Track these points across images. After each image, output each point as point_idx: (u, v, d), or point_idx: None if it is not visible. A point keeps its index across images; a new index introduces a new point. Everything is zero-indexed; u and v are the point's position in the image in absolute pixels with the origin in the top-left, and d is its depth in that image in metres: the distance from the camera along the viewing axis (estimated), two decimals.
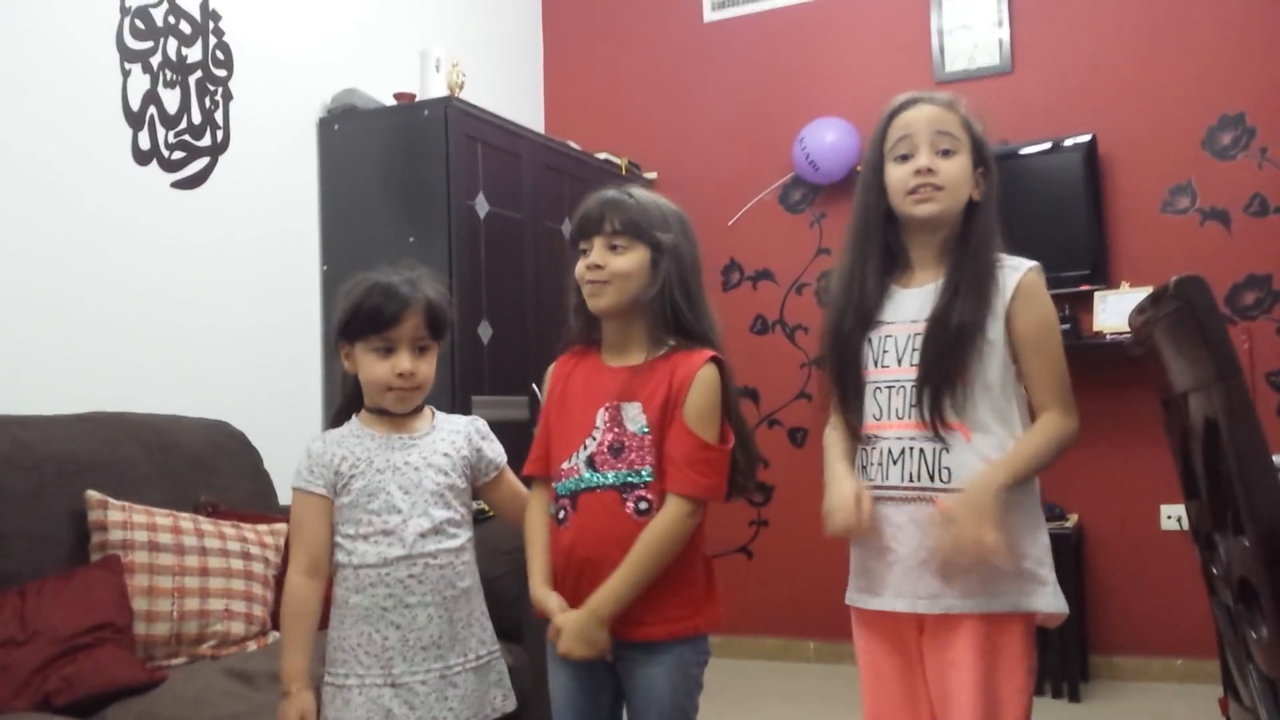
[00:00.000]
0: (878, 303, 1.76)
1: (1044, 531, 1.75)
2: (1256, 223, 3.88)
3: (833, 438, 1.85)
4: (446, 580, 1.81)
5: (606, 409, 1.79)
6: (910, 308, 1.76)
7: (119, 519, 2.32)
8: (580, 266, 1.81)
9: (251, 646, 2.40)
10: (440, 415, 1.95)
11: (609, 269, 1.78)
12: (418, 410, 1.91)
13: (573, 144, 4.36)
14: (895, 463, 1.71)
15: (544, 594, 1.79)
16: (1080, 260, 3.99)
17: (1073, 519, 3.91)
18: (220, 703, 2.02)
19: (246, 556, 2.49)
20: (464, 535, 1.86)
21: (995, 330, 1.70)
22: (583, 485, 1.78)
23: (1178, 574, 3.79)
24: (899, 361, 1.73)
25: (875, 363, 1.76)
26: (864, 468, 1.76)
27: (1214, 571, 1.75)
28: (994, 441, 1.69)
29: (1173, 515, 3.89)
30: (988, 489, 1.62)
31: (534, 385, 2.26)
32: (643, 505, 1.75)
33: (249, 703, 2.03)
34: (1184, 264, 3.75)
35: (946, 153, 1.73)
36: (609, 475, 1.76)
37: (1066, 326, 3.90)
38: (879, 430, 1.74)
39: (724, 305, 5.11)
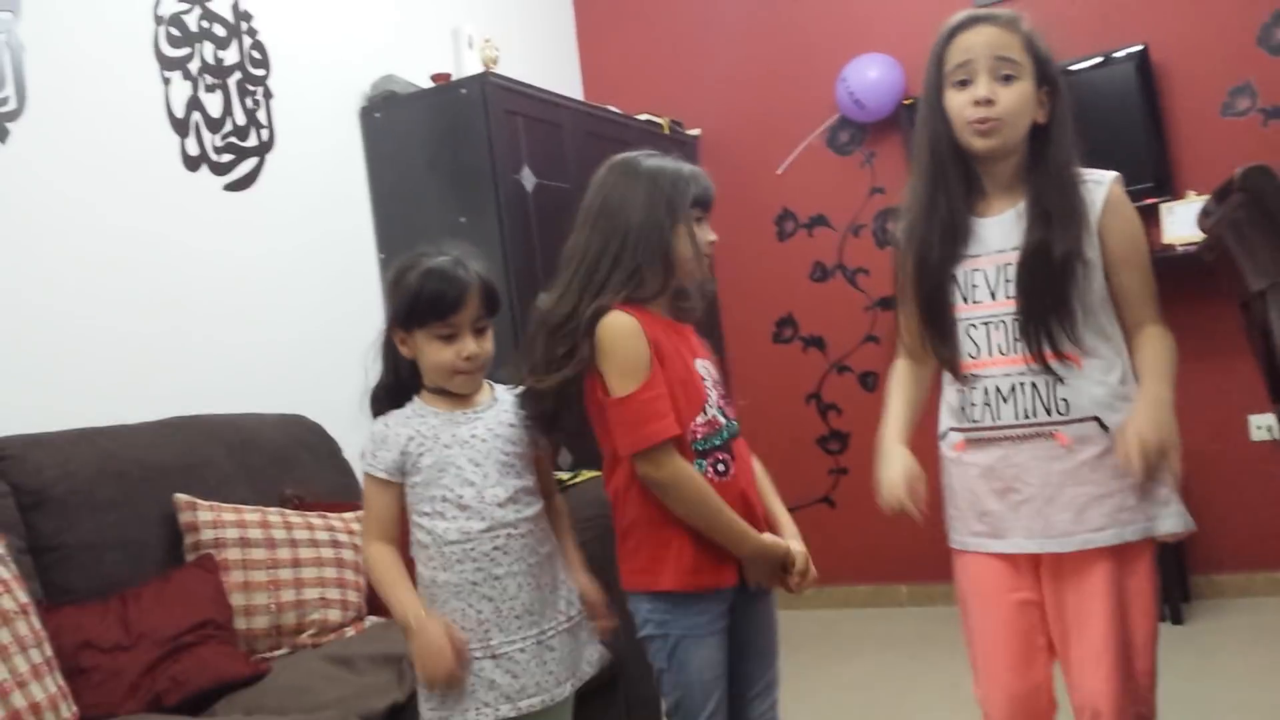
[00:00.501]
0: (965, 231, 1.69)
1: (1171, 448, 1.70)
2: None
3: (894, 389, 1.82)
4: (529, 547, 1.82)
5: (701, 363, 1.86)
6: (993, 238, 1.69)
7: (209, 519, 2.38)
8: (703, 239, 1.86)
9: (349, 632, 2.45)
10: (498, 387, 1.95)
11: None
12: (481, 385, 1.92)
13: (613, 108, 4.33)
14: (1006, 401, 1.65)
15: (771, 540, 1.84)
16: (1142, 174, 3.88)
17: None
18: (324, 689, 2.07)
19: (335, 545, 2.53)
20: (539, 502, 1.88)
21: (1092, 250, 1.65)
22: (731, 433, 1.85)
23: (1273, 484, 3.71)
24: (992, 295, 1.68)
25: (965, 299, 1.69)
26: (963, 408, 1.70)
27: None
28: (1103, 365, 1.66)
29: (1262, 425, 3.81)
30: (1163, 403, 1.60)
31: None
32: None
33: (352, 686, 2.08)
34: None
35: (1007, 78, 1.66)
36: (734, 422, 1.87)
37: None
38: (979, 369, 1.68)
39: (781, 254, 5.07)
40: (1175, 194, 3.88)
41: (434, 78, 3.70)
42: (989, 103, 1.64)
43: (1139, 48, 3.89)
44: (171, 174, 2.98)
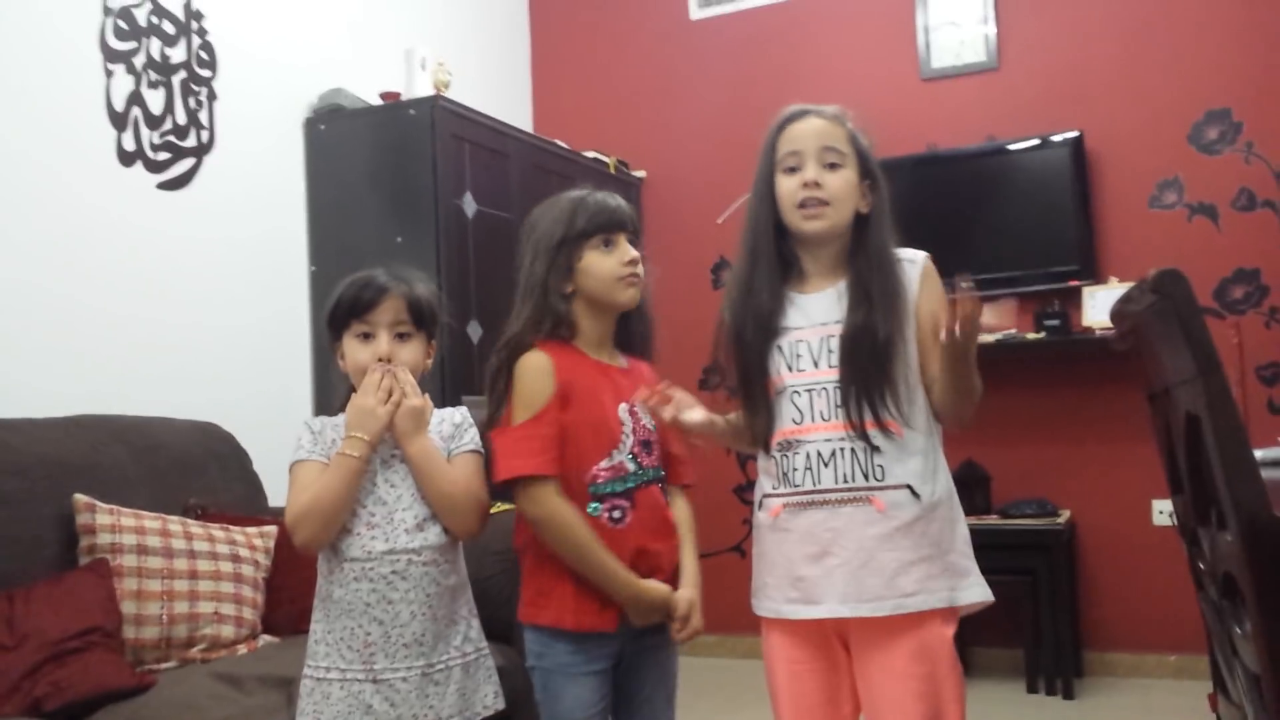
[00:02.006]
0: (778, 310, 1.79)
1: (964, 524, 1.78)
2: (1244, 217, 3.91)
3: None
4: (430, 577, 1.81)
5: (627, 406, 1.86)
6: (816, 312, 1.78)
7: (107, 522, 2.33)
8: (611, 261, 1.86)
9: (242, 650, 2.41)
10: (439, 412, 1.95)
11: (639, 266, 1.89)
12: None
13: (561, 143, 4.36)
14: (826, 465, 1.72)
15: (646, 585, 1.82)
16: (1068, 256, 4.01)
17: (1065, 515, 3.93)
18: (209, 707, 2.03)
19: (236, 559, 2.49)
20: (450, 534, 1.85)
21: (912, 329, 1.76)
22: (637, 481, 1.85)
23: (1170, 569, 3.80)
24: (815, 364, 1.75)
25: (790, 367, 1.77)
26: (784, 474, 1.75)
27: (1200, 566, 1.76)
28: (919, 438, 1.73)
29: (1164, 510, 3.91)
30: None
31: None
32: (666, 495, 1.92)
33: (238, 706, 2.04)
34: (1172, 259, 3.77)
35: (833, 166, 1.76)
36: (652, 470, 1.87)
37: (1056, 322, 3.94)
38: (802, 434, 1.74)
39: (714, 302, 5.07)
40: (1099, 278, 4.01)
41: (383, 95, 3.70)
42: (816, 185, 1.75)
43: (1075, 134, 4.03)
44: (104, 167, 2.94)
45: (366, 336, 1.85)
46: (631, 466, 1.84)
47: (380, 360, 1.83)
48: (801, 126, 1.79)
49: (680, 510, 1.94)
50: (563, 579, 1.81)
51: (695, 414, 1.83)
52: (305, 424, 1.89)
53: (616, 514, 1.82)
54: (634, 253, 1.87)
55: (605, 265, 1.86)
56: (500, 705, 1.90)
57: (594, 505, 1.81)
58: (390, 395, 1.81)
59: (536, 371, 1.81)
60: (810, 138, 1.77)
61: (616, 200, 1.91)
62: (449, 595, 1.85)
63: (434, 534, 1.83)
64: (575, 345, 1.87)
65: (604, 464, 1.82)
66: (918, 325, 1.76)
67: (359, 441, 1.79)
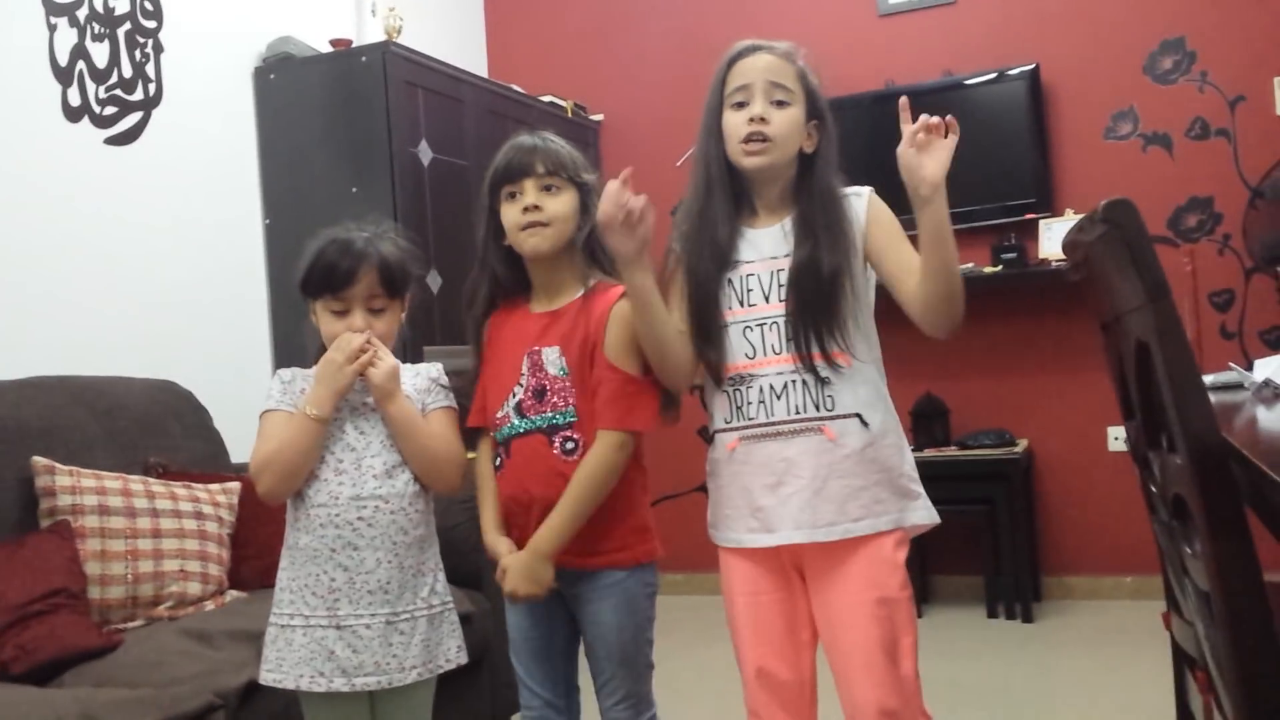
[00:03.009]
0: (731, 243, 1.78)
1: (909, 450, 1.82)
2: (1197, 146, 3.92)
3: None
4: (398, 526, 1.81)
5: (529, 355, 1.83)
6: (765, 246, 1.78)
7: (67, 484, 2.30)
8: (514, 211, 1.81)
9: (209, 606, 2.40)
10: (405, 366, 1.94)
11: (548, 211, 1.80)
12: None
13: (517, 87, 4.29)
14: (779, 398, 1.73)
15: (494, 539, 1.85)
16: (1025, 189, 4.02)
17: (1022, 444, 3.97)
18: (179, 663, 2.02)
19: (199, 516, 2.47)
20: (418, 482, 1.85)
21: (859, 263, 1.76)
22: (513, 432, 1.83)
23: (1125, 494, 3.87)
24: (766, 299, 1.76)
25: (741, 302, 1.77)
26: (739, 408, 1.76)
27: (1152, 490, 1.78)
28: (867, 370, 1.76)
29: (1119, 437, 3.95)
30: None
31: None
32: (569, 445, 1.80)
33: (208, 661, 2.03)
34: (1127, 189, 3.78)
35: (780, 104, 1.76)
36: (534, 419, 1.81)
37: (1012, 255, 3.95)
38: (755, 368, 1.75)
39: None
40: (1055, 211, 4.01)
41: (333, 43, 3.62)
42: (763, 121, 1.74)
43: (1031, 66, 4.01)
44: (50, 124, 2.86)
45: (342, 311, 1.82)
46: (513, 417, 1.83)
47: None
48: (751, 62, 1.78)
49: (583, 461, 1.78)
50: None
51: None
52: (277, 374, 1.89)
53: (497, 462, 1.87)
54: (530, 199, 1.80)
55: (509, 216, 1.83)
56: (463, 660, 1.90)
57: (497, 452, 1.88)
58: (359, 356, 1.79)
59: (475, 338, 1.93)
60: (759, 73, 1.76)
61: (533, 142, 1.84)
62: (417, 545, 1.84)
63: (402, 482, 1.82)
64: (525, 298, 1.90)
65: (498, 414, 1.85)
66: (871, 241, 1.76)
67: (323, 400, 1.78)
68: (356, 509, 1.78)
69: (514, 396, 1.82)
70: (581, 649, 1.91)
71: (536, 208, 1.79)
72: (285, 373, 1.89)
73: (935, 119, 1.66)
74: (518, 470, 1.82)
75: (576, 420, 1.80)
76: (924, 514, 1.78)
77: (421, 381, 1.91)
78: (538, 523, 1.79)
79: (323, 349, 1.87)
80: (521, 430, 1.81)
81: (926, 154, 1.65)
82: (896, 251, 1.76)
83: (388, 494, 1.80)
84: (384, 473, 1.81)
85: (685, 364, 1.80)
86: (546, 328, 1.83)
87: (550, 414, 1.81)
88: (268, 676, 1.80)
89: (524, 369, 1.82)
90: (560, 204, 1.81)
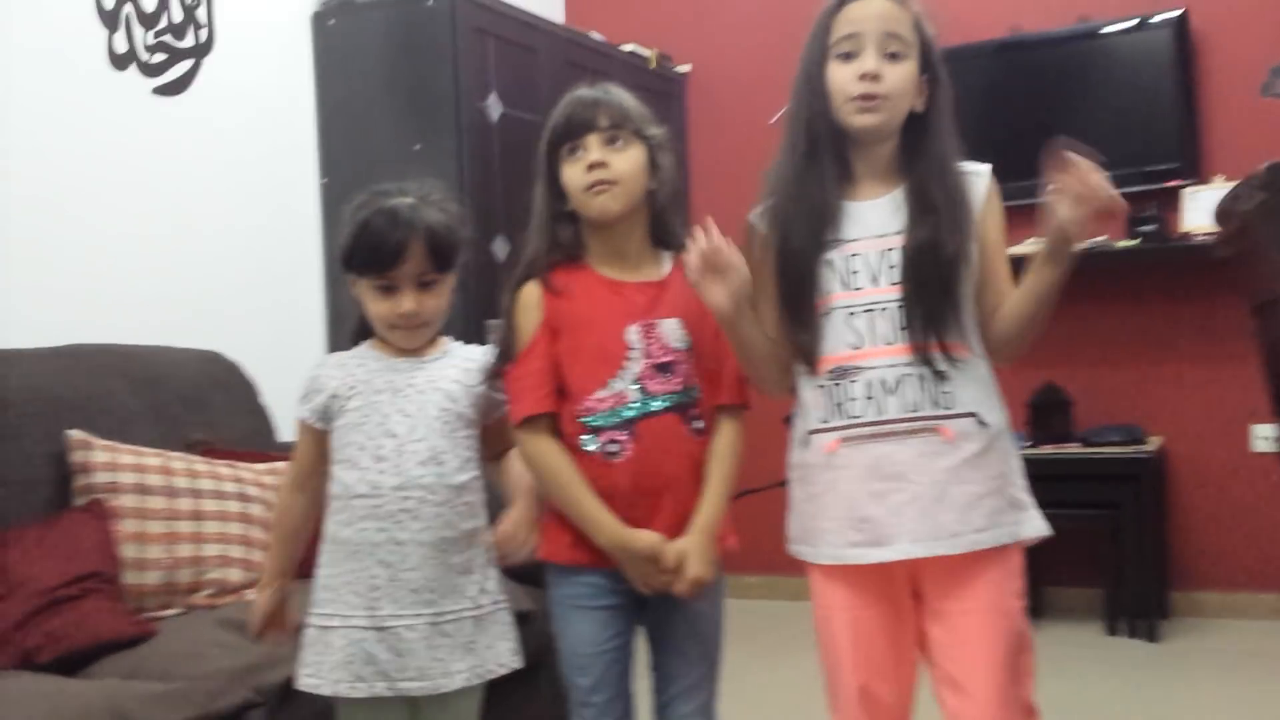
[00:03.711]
0: (834, 216, 1.70)
1: (1019, 455, 1.76)
2: None
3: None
4: (444, 520, 1.79)
5: (640, 327, 1.79)
6: (873, 221, 1.70)
7: (104, 460, 2.33)
8: (576, 170, 1.78)
9: (250, 595, 2.41)
10: (456, 345, 1.94)
11: (614, 168, 1.77)
12: (431, 341, 1.91)
13: (595, 35, 4.26)
14: (892, 393, 1.66)
15: (628, 534, 1.77)
16: (1168, 152, 3.88)
17: (1155, 442, 3.86)
18: (215, 656, 2.04)
19: (244, 499, 2.50)
20: (469, 472, 1.84)
21: (974, 247, 1.70)
22: (640, 411, 1.78)
23: (1270, 501, 3.76)
24: (874, 281, 1.68)
25: (844, 284, 1.69)
26: (839, 405, 1.69)
27: None
28: (979, 362, 1.71)
29: (1266, 436, 3.83)
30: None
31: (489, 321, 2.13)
32: (698, 424, 1.82)
33: (245, 655, 2.04)
34: None
35: (894, 56, 1.67)
36: (666, 397, 1.79)
37: (1151, 227, 3.82)
38: (861, 359, 1.68)
39: None
40: (1202, 177, 3.88)
41: None
42: (875, 78, 1.65)
43: (1178, 12, 3.87)
44: (95, 72, 2.90)
45: (388, 289, 1.82)
46: (634, 394, 1.78)
47: (402, 315, 1.81)
48: (861, 7, 1.68)
49: (719, 439, 1.84)
50: (555, 514, 1.84)
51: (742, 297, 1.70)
52: (312, 368, 1.90)
53: (612, 448, 1.78)
54: (595, 154, 1.77)
55: (571, 176, 1.79)
56: (517, 664, 1.88)
57: (586, 438, 1.79)
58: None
59: (522, 307, 1.84)
60: (872, 20, 1.67)
61: (594, 94, 1.81)
62: (465, 541, 1.83)
63: (451, 469, 1.81)
64: (588, 264, 1.84)
65: (600, 393, 1.78)
66: (983, 234, 1.71)
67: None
68: (400, 500, 1.78)
69: (627, 371, 1.78)
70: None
71: (603, 164, 1.76)
72: (315, 368, 1.90)
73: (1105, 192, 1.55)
74: (649, 453, 1.77)
75: (700, 397, 1.82)
76: (1037, 525, 1.72)
77: (475, 370, 1.88)
78: (672, 511, 1.79)
79: (362, 326, 1.88)
80: (653, 409, 1.78)
81: (1073, 203, 1.56)
82: (994, 258, 1.72)
83: (433, 482, 1.79)
84: (430, 459, 1.80)
85: (782, 374, 1.76)
86: (656, 298, 1.81)
87: (681, 391, 1.80)
88: (306, 682, 1.81)
89: (633, 341, 1.79)
90: (628, 160, 1.78)
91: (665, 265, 1.85)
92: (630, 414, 1.78)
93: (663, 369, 1.79)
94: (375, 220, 1.80)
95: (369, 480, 1.79)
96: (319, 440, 1.86)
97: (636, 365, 1.78)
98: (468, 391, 1.86)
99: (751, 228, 1.78)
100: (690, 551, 1.77)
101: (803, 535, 1.78)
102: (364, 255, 1.81)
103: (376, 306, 1.83)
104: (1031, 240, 1.80)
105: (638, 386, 1.78)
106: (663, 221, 1.84)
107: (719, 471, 1.82)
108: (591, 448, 1.78)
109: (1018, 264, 1.75)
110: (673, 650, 1.86)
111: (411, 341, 1.86)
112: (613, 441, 1.78)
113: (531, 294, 1.83)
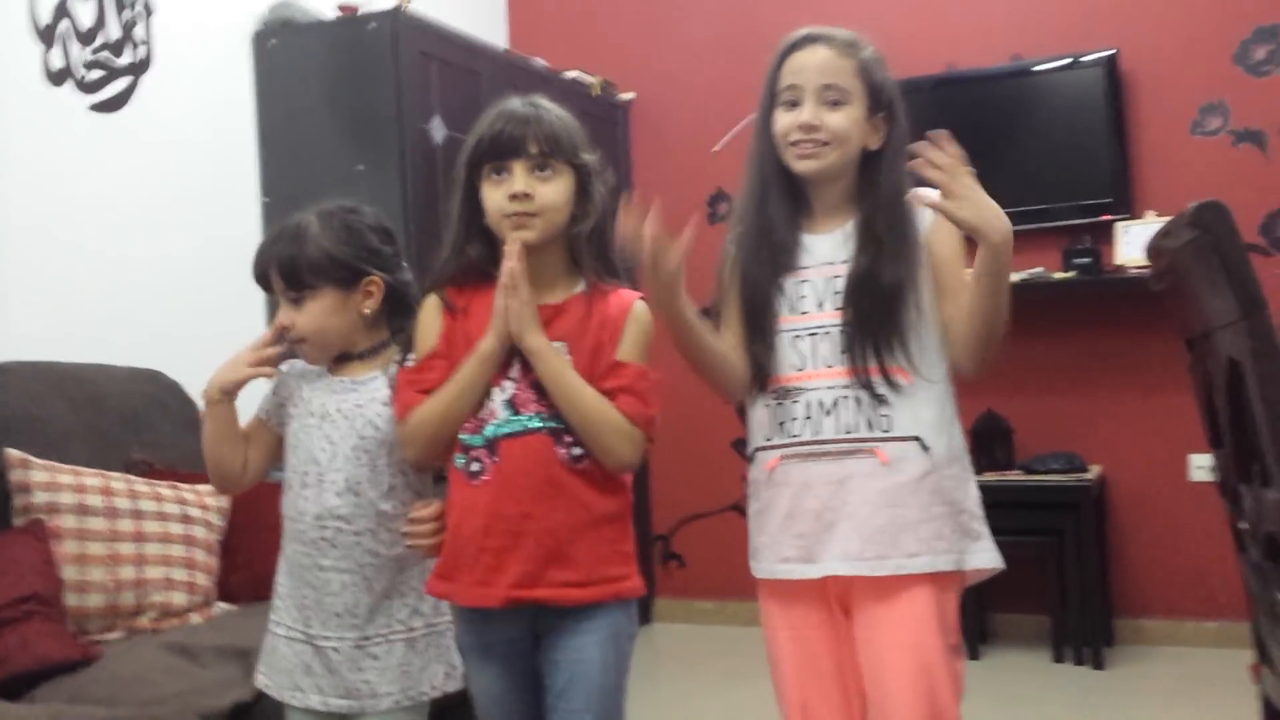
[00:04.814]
0: (791, 248, 1.80)
1: (974, 484, 1.80)
2: None
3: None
4: (364, 548, 1.82)
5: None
6: (822, 251, 1.80)
7: (43, 480, 2.34)
8: (498, 194, 1.70)
9: (195, 619, 2.43)
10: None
11: (539, 200, 1.70)
12: (378, 350, 1.92)
13: (540, 61, 4.33)
14: (828, 414, 1.74)
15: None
16: (1101, 188, 4.02)
17: (1094, 471, 3.96)
18: (161, 680, 2.05)
19: (186, 520, 2.51)
20: (394, 499, 1.85)
21: (925, 273, 1.77)
22: (504, 430, 1.70)
23: (1208, 529, 3.84)
24: (819, 306, 1.78)
25: (791, 309, 1.79)
26: (781, 424, 1.78)
27: (1242, 526, 1.79)
28: (933, 389, 1.75)
29: (1202, 465, 3.92)
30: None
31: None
32: (576, 451, 1.70)
33: (193, 679, 2.07)
34: (1215, 190, 3.75)
35: (835, 103, 1.76)
36: (535, 418, 1.70)
37: (1086, 260, 3.95)
38: (803, 381, 1.77)
39: (712, 238, 5.02)
40: (1134, 213, 4.01)
41: (340, 7, 3.66)
42: (812, 128, 1.75)
43: (1109, 52, 4.01)
44: (30, 88, 2.91)
45: (278, 304, 1.90)
46: (502, 412, 1.71)
47: (278, 330, 1.87)
48: (803, 58, 1.79)
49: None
50: (447, 535, 1.76)
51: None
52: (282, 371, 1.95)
53: (475, 466, 1.71)
54: (519, 184, 1.69)
55: (492, 199, 1.72)
56: (453, 686, 1.88)
57: (457, 456, 1.73)
58: (265, 354, 1.87)
59: (424, 313, 1.80)
60: (811, 73, 1.77)
61: (525, 112, 1.72)
62: (391, 566, 1.84)
63: (370, 498, 1.83)
64: (494, 284, 1.72)
65: (480, 412, 1.72)
66: (933, 254, 1.78)
67: (209, 387, 1.88)
68: (319, 528, 1.83)
69: (502, 390, 1.71)
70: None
71: (526, 195, 1.69)
72: (289, 365, 1.94)
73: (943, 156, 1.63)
74: (511, 478, 1.68)
75: None
76: (987, 557, 1.77)
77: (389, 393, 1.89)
78: (534, 546, 1.67)
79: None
80: (519, 429, 1.70)
81: (955, 198, 1.63)
82: (946, 272, 1.77)
83: (350, 514, 1.82)
84: (347, 489, 1.82)
85: (741, 379, 1.82)
86: (549, 320, 1.73)
87: (556, 414, 1.70)
88: (260, 680, 1.89)
89: (514, 360, 1.72)
90: (554, 191, 1.71)
91: (577, 287, 1.78)
92: (494, 432, 1.71)
93: (539, 388, 1.71)
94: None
95: (296, 505, 1.85)
96: (263, 428, 1.93)
97: (512, 385, 1.72)
98: (392, 412, 1.85)
99: (725, 251, 1.88)
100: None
101: (751, 550, 1.85)
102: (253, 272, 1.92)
103: (491, 196, 1.79)
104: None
105: (507, 404, 1.71)
106: (578, 248, 1.76)
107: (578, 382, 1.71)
108: (459, 464, 1.73)
109: None
110: (557, 699, 1.74)
111: (310, 357, 1.90)
112: (476, 460, 1.72)
113: (433, 303, 1.79)
